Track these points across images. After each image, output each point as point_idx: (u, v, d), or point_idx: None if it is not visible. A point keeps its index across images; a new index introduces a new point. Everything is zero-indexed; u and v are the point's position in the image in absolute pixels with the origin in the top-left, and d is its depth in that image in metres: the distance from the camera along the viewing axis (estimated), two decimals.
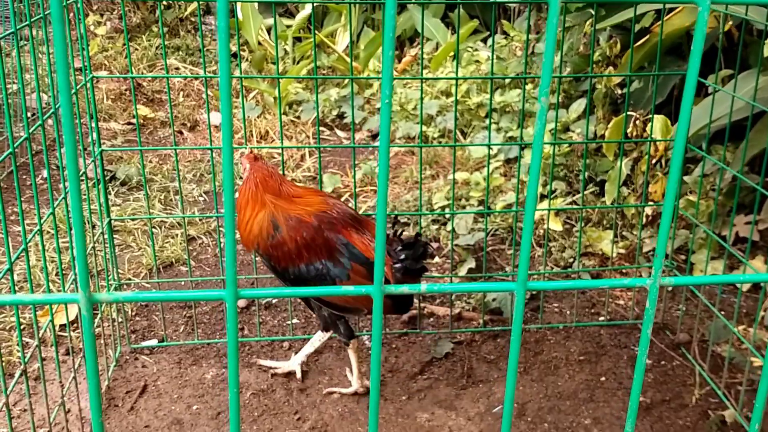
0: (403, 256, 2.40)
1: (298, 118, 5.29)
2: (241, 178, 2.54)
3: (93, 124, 2.93)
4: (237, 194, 2.45)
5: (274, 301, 3.16)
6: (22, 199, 3.97)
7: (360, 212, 3.87)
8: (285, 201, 2.40)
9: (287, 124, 5.12)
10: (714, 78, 3.10)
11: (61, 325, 2.78)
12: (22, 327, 2.84)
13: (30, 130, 1.89)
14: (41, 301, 0.69)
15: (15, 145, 1.76)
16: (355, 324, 2.98)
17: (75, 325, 2.71)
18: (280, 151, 4.68)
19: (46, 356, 2.66)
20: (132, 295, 0.70)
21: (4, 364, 2.25)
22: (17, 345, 2.78)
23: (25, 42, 4.21)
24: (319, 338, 2.63)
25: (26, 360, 1.89)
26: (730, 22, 3.57)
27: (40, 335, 2.05)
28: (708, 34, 3.27)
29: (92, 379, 0.70)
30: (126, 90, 5.69)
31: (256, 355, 2.80)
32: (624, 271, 3.33)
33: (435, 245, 3.63)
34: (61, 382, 2.21)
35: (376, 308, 0.71)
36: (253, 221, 2.40)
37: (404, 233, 2.40)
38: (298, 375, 2.67)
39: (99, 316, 2.62)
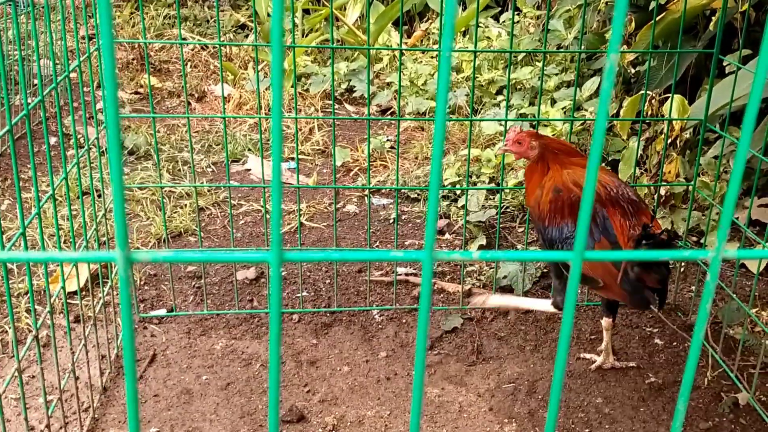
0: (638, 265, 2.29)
1: (307, 90, 5.25)
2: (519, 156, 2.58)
3: (104, 93, 2.90)
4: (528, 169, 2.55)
5: (283, 273, 3.14)
6: (27, 167, 3.94)
7: (371, 186, 3.84)
8: (571, 165, 2.45)
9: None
10: (733, 57, 3.06)
11: (70, 293, 2.76)
12: (26, 293, 2.82)
13: (44, 93, 1.86)
14: (77, 258, 0.67)
15: (30, 107, 1.72)
16: (365, 298, 2.97)
17: (84, 292, 2.69)
18: (289, 123, 4.64)
19: (54, 323, 2.64)
20: (172, 255, 0.67)
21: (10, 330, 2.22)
22: (25, 312, 2.76)
23: (30, 8, 4.15)
24: (542, 305, 2.63)
25: (38, 326, 1.87)
26: (747, 2, 3.52)
27: (50, 301, 2.03)
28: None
29: (127, 341, 0.67)
30: (133, 59, 5.64)
31: (266, 327, 2.78)
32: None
33: (446, 221, 3.61)
34: (71, 349, 2.19)
35: (425, 274, 0.69)
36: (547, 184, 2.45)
37: (649, 229, 2.28)
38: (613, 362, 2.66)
39: (109, 284, 2.60)
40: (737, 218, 3.18)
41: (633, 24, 4.04)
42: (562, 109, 4.28)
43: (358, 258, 0.67)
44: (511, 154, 2.57)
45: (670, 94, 3.03)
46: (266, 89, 5.11)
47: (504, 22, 5.96)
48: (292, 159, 4.22)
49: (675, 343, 2.77)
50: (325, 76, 5.25)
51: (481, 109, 4.80)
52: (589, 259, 0.68)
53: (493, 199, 3.64)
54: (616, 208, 2.34)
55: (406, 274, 3.13)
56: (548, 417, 0.72)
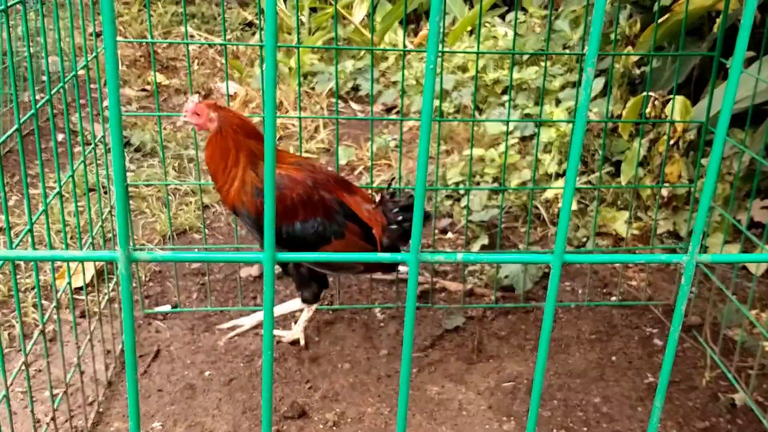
0: (401, 218, 2.39)
1: (313, 89, 5.28)
2: (195, 127, 2.31)
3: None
4: (206, 146, 2.33)
5: None
6: (35, 163, 3.98)
7: (375, 185, 3.87)
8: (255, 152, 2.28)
9: (301, 95, 5.11)
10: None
11: (76, 288, 2.79)
12: (33, 288, 2.86)
13: (52, 92, 1.89)
14: (80, 257, 0.70)
15: (38, 106, 1.76)
16: (367, 296, 3.00)
17: (90, 288, 2.73)
18: (294, 121, 4.68)
19: (61, 318, 2.67)
20: (171, 255, 0.70)
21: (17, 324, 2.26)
22: (32, 307, 2.80)
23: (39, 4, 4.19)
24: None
25: (44, 321, 1.91)
26: None
27: (57, 297, 2.07)
28: (729, 15, 3.23)
29: (128, 336, 0.70)
30: (141, 56, 5.67)
31: None
32: (638, 252, 3.33)
33: (449, 220, 3.63)
34: (77, 343, 2.23)
35: (411, 275, 0.72)
36: (237, 175, 2.26)
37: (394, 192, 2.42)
38: (302, 342, 2.68)
39: (115, 280, 2.63)
40: (739, 220, 3.19)
41: (638, 25, 4.05)
42: (567, 109, 4.30)
43: (346, 258, 0.70)
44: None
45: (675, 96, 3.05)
46: None
47: (510, 21, 5.97)
48: None
49: None
50: (331, 74, 5.28)
51: (487, 108, 4.81)
52: (567, 262, 0.71)
53: (496, 199, 3.66)
54: (339, 189, 2.40)
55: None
56: (530, 413, 0.74)
